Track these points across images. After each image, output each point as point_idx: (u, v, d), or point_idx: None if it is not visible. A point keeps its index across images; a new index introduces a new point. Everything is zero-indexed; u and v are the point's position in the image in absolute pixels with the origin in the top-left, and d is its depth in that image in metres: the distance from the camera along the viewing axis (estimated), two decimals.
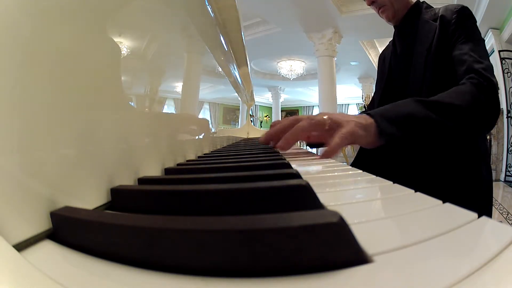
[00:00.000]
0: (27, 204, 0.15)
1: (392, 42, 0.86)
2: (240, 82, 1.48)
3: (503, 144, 3.80)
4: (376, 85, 0.94)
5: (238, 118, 1.86)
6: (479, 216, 0.15)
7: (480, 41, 0.66)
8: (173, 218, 0.13)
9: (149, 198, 0.21)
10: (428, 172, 0.68)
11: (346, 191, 0.26)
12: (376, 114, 0.50)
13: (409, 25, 0.78)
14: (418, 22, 0.75)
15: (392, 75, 0.84)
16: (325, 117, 0.48)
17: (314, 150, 0.69)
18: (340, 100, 7.55)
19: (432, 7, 0.77)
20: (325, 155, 0.46)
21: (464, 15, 0.68)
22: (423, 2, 0.79)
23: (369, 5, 0.80)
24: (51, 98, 0.18)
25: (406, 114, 0.51)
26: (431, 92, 0.63)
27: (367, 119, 0.49)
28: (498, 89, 0.61)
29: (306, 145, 0.67)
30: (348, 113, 0.87)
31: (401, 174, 0.70)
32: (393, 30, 0.84)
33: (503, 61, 3.68)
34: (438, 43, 0.69)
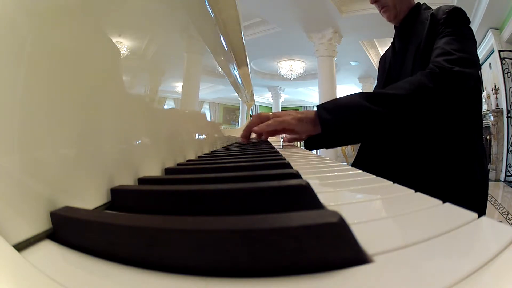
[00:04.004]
0: (27, 204, 0.15)
1: (392, 43, 0.87)
2: (240, 82, 1.48)
3: (503, 144, 3.80)
4: (376, 85, 0.95)
5: (238, 118, 1.86)
6: (478, 216, 0.15)
7: (463, 38, 0.64)
8: (173, 218, 0.13)
9: (149, 198, 0.21)
10: (426, 172, 0.68)
11: (346, 191, 0.26)
12: (319, 105, 0.61)
13: (407, 26, 0.78)
14: (415, 23, 0.76)
15: (391, 74, 0.85)
16: (270, 113, 0.64)
17: (314, 151, 0.69)
18: None
19: (430, 8, 0.77)
20: (256, 130, 0.63)
21: (454, 15, 0.67)
22: (423, 3, 0.80)
23: (372, 3, 0.81)
24: (51, 98, 0.18)
25: (342, 104, 0.60)
26: None
27: (310, 112, 0.62)
28: (468, 79, 0.59)
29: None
30: None
31: (401, 174, 0.70)
32: (393, 30, 0.85)
33: (503, 61, 3.67)
34: (425, 42, 0.69)
